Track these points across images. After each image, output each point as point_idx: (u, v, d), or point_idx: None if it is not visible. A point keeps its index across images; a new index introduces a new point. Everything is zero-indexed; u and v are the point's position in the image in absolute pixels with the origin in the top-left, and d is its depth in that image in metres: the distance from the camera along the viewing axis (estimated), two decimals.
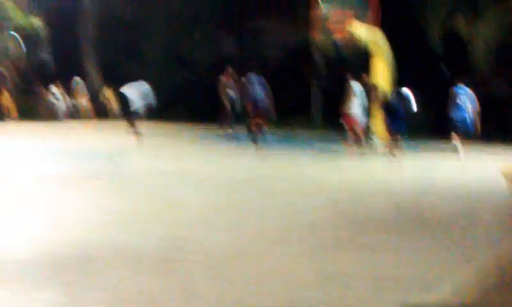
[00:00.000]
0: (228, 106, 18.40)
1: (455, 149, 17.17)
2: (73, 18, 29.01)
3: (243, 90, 17.60)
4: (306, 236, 6.41)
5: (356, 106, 17.87)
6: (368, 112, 18.22)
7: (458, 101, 17.45)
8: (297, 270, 5.10)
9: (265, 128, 17.61)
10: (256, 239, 6.19)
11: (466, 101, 17.55)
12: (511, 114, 18.75)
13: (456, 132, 17.37)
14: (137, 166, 11.85)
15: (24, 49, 26.17)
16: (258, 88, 17.15)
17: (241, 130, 18.72)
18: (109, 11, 29.33)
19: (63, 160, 12.15)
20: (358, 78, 18.69)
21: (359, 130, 17.92)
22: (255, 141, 17.10)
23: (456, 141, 17.28)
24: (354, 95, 17.86)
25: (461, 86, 17.63)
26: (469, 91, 17.63)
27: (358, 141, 18.12)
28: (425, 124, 22.30)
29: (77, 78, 26.13)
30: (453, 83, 17.87)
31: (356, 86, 18.11)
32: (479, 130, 17.47)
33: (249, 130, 17.48)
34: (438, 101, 20.61)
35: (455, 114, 17.41)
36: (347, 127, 18.17)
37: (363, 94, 18.16)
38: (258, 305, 4.27)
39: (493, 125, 21.33)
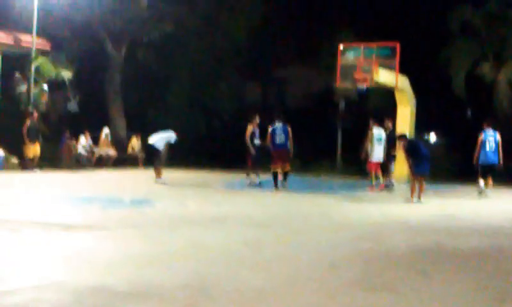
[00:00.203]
0: (254, 153, 18.61)
1: (481, 192, 17.25)
2: (100, 68, 29.60)
3: (267, 137, 18.08)
4: (326, 275, 6.42)
5: (376, 152, 18.21)
6: (390, 156, 18.35)
7: (486, 145, 17.65)
8: None
9: (289, 173, 17.99)
10: (281, 277, 6.21)
11: (493, 144, 17.76)
12: None
13: (483, 176, 17.51)
14: (165, 212, 11.94)
15: (52, 100, 26.67)
16: (281, 135, 17.78)
17: (266, 177, 18.96)
18: (135, 61, 29.90)
19: (90, 208, 12.28)
20: (381, 124, 18.84)
21: (379, 174, 18.29)
22: (277, 185, 17.65)
23: (481, 183, 17.41)
24: (376, 141, 18.19)
25: (489, 129, 17.78)
26: (496, 134, 17.91)
27: (382, 185, 18.29)
28: (450, 168, 22.23)
29: (105, 128, 26.53)
30: (481, 128, 18.02)
31: (376, 132, 18.36)
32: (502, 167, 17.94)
33: (273, 175, 17.96)
34: (463, 145, 20.62)
35: (482, 158, 17.59)
36: (370, 172, 18.42)
37: (384, 138, 18.39)
38: None
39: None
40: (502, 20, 25.81)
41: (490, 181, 17.81)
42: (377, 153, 18.37)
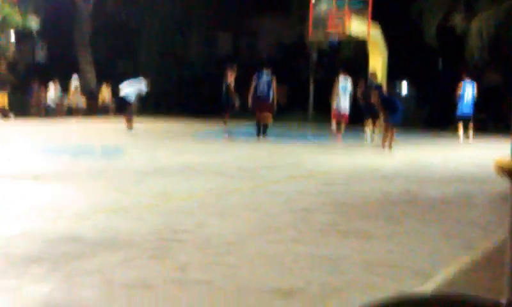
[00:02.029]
0: (231, 100, 18.46)
1: (453, 139, 18.05)
2: (69, 18, 29.06)
3: (252, 86, 18.13)
4: (297, 222, 6.45)
5: (340, 101, 18.38)
6: (368, 106, 18.42)
7: (463, 97, 18.49)
8: (287, 255, 5.13)
9: (270, 122, 18.12)
10: (250, 225, 6.22)
11: (470, 97, 18.57)
12: (505, 104, 19.07)
13: (459, 122, 18.90)
14: (133, 162, 11.88)
15: (20, 48, 26.18)
16: (265, 86, 17.95)
17: (240, 125, 19.16)
18: (105, 12, 29.39)
19: (59, 157, 12.17)
20: (355, 76, 18.89)
21: (344, 123, 18.51)
22: (258, 133, 17.89)
23: (459, 130, 18.83)
24: (341, 90, 18.37)
25: (468, 80, 18.61)
26: (474, 86, 19.10)
27: (339, 133, 18.55)
28: (420, 117, 22.44)
29: (74, 76, 26.16)
30: (460, 78, 18.77)
31: (343, 82, 18.52)
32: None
33: (256, 125, 18.17)
34: (434, 95, 20.87)
35: (461, 108, 18.36)
36: (333, 120, 18.71)
37: (350, 88, 18.52)
38: (248, 286, 4.30)
39: (488, 115, 21.81)
40: None
41: (470, 128, 18.83)
42: (341, 102, 18.55)
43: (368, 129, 18.30)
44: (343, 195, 8.39)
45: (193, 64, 30.32)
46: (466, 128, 18.98)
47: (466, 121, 19.03)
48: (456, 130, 19.18)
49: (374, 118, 17.93)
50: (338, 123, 18.88)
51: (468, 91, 18.94)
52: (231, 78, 18.37)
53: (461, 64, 24.69)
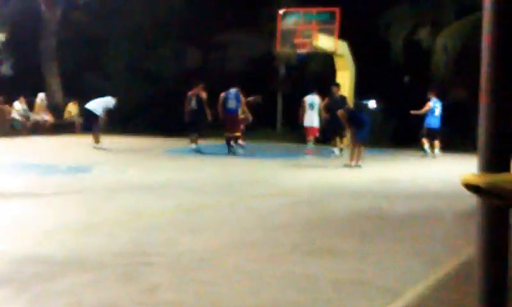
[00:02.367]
0: (190, 118, 18.65)
1: (422, 155, 18.42)
2: (35, 32, 28.75)
3: (220, 103, 18.41)
4: (267, 240, 6.46)
5: (308, 117, 18.61)
6: (332, 121, 18.46)
7: (434, 110, 19.02)
8: (257, 272, 5.13)
9: (239, 139, 18.41)
10: (221, 241, 6.21)
11: (439, 111, 19.50)
12: (470, 120, 19.39)
13: (427, 138, 19.31)
14: (102, 179, 11.77)
15: None
16: (233, 101, 18.26)
17: (207, 142, 19.27)
18: (72, 25, 29.15)
19: (26, 175, 12.01)
20: (324, 91, 19.01)
21: (313, 138, 18.75)
22: (229, 151, 18.14)
23: (426, 145, 19.26)
24: (308, 107, 18.60)
25: (434, 98, 19.19)
26: (440, 102, 19.63)
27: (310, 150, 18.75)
28: (387, 133, 22.65)
29: (41, 94, 25.85)
30: (429, 96, 19.30)
31: (309, 98, 18.73)
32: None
33: (226, 141, 18.51)
34: (401, 111, 21.09)
35: (430, 123, 19.27)
36: (307, 137, 18.87)
37: (317, 105, 18.70)
38: (220, 305, 4.29)
39: (454, 130, 22.20)
40: None
41: (437, 144, 19.30)
42: (308, 118, 18.76)
43: (336, 145, 18.47)
44: (313, 212, 8.43)
45: (162, 79, 30.21)
46: (432, 142, 19.32)
47: (433, 134, 19.40)
48: (422, 144, 19.45)
49: (340, 132, 18.17)
50: (310, 139, 19.04)
51: (436, 108, 19.42)
52: (204, 93, 18.55)
53: (427, 79, 25.02)
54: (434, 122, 19.38)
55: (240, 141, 19.16)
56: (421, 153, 19.23)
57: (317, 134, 19.13)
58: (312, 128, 18.94)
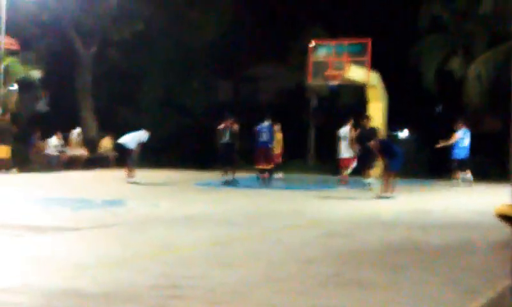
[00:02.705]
0: (223, 151, 18.90)
1: (455, 185, 18.26)
2: (70, 68, 29.29)
3: (254, 137, 18.79)
4: (298, 273, 6.41)
5: (343, 149, 18.59)
6: (363, 153, 18.37)
7: (462, 142, 18.90)
8: (288, 306, 5.10)
9: (273, 172, 18.64)
10: (251, 275, 6.18)
11: (468, 141, 19.49)
12: (504, 149, 19.12)
13: (460, 170, 19.41)
14: (135, 212, 11.85)
15: (22, 100, 26.34)
16: (266, 133, 18.58)
17: (242, 175, 19.49)
18: (106, 61, 29.64)
19: (61, 209, 12.15)
20: (357, 122, 18.96)
21: (349, 170, 18.71)
22: (262, 183, 18.40)
23: (458, 177, 19.34)
24: (342, 139, 18.58)
25: (463, 128, 19.00)
26: (468, 132, 19.63)
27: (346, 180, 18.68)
28: (420, 163, 22.47)
29: (77, 129, 26.27)
30: (457, 127, 19.20)
31: (342, 131, 18.76)
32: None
33: (258, 174, 18.86)
34: (433, 140, 20.93)
35: (458, 154, 19.36)
36: (341, 169, 18.82)
37: (346, 136, 18.70)
38: None
39: (488, 160, 21.95)
40: (470, 16, 26.08)
41: (468, 172, 19.42)
42: (341, 149, 18.77)
43: (368, 176, 18.33)
44: (345, 244, 8.36)
45: (194, 112, 30.46)
46: (463, 171, 19.38)
47: (462, 165, 19.23)
48: (453, 175, 19.36)
49: (370, 164, 18.11)
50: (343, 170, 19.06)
51: (465, 138, 19.45)
52: (236, 126, 18.74)
53: (460, 108, 24.78)
54: (462, 153, 19.34)
55: (277, 174, 19.43)
56: (454, 183, 19.12)
57: (352, 164, 19.00)
58: (343, 159, 18.90)
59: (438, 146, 19.77)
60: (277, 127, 20.47)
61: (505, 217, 1.90)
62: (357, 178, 18.92)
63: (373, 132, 17.98)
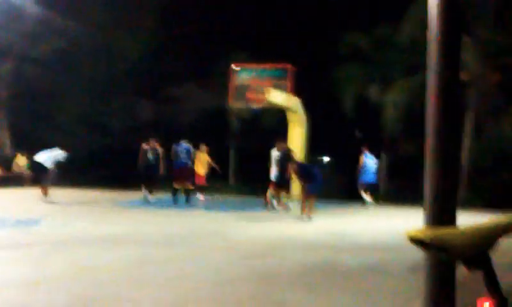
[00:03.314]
0: (147, 171, 19.30)
1: (367, 207, 19.03)
2: None
3: (172, 156, 19.13)
4: (217, 294, 6.38)
5: (274, 172, 18.74)
6: (283, 176, 18.60)
7: (366, 165, 19.96)
8: None
9: (193, 192, 18.90)
10: (169, 297, 6.10)
11: (373, 165, 20.73)
12: (416, 173, 19.92)
13: (365, 192, 20.44)
14: (50, 232, 11.53)
15: None
16: (183, 153, 18.97)
17: (164, 195, 19.48)
18: (23, 79, 28.89)
19: None
20: (275, 144, 19.16)
21: (277, 193, 18.84)
22: (175, 202, 18.57)
23: (366, 197, 20.33)
24: (274, 162, 18.74)
25: (366, 152, 20.18)
26: (373, 156, 20.99)
27: (279, 203, 18.87)
28: (339, 187, 22.94)
29: None
30: (361, 151, 20.37)
31: (274, 153, 18.92)
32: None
33: (173, 191, 19.00)
34: (353, 164, 21.48)
35: (364, 177, 20.49)
36: (272, 192, 18.97)
37: (279, 159, 18.81)
38: None
39: (404, 183, 22.79)
40: (389, 44, 26.91)
41: (369, 196, 20.59)
42: (274, 173, 18.96)
43: (273, 196, 18.59)
44: (265, 265, 8.39)
45: (113, 131, 30.04)
46: (371, 194, 20.49)
47: (372, 188, 20.55)
48: (361, 197, 20.47)
49: (285, 187, 18.55)
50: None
51: (370, 162, 20.68)
52: (159, 146, 19.29)
53: (377, 133, 25.49)
54: (368, 176, 20.54)
55: (201, 196, 19.63)
56: (369, 205, 20.04)
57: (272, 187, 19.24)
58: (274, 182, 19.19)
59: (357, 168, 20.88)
60: (204, 148, 20.66)
61: (416, 240, 2.00)
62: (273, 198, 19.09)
63: (286, 154, 18.36)
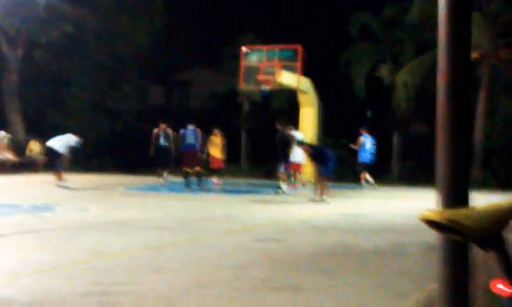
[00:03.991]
0: (161, 154, 19.61)
1: (372, 189, 19.62)
2: None
3: (179, 140, 19.23)
4: (230, 278, 6.42)
5: (296, 153, 18.92)
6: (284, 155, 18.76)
7: (364, 146, 20.75)
8: None
9: (206, 176, 18.96)
10: (184, 280, 6.15)
11: (371, 146, 20.99)
12: (430, 153, 19.82)
13: (365, 171, 20.72)
14: (64, 218, 11.62)
15: None
16: (190, 136, 18.97)
17: (176, 179, 19.71)
18: (34, 63, 28.95)
19: None
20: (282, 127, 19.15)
21: (298, 174, 19.31)
22: (187, 184, 18.59)
23: (364, 179, 20.54)
24: (295, 143, 18.75)
25: (365, 133, 20.62)
26: (370, 138, 21.21)
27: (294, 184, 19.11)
28: (352, 168, 22.87)
29: (1, 132, 25.52)
30: (359, 132, 20.46)
31: (296, 134, 19.14)
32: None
33: (184, 175, 18.97)
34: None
35: (363, 157, 20.79)
36: (291, 172, 19.23)
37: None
38: None
39: (416, 164, 22.73)
40: (399, 24, 26.74)
41: (365, 176, 20.85)
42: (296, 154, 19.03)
43: (282, 180, 18.54)
44: (277, 248, 8.41)
45: (124, 116, 30.09)
46: (371, 174, 20.70)
47: (370, 167, 20.85)
48: (360, 179, 20.70)
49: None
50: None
51: (368, 143, 20.95)
52: (170, 130, 19.53)
53: (389, 113, 25.38)
54: (366, 156, 20.75)
55: (215, 180, 19.80)
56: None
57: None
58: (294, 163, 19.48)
59: (351, 146, 21.40)
60: (217, 133, 20.89)
61: (430, 221, 1.99)
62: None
63: (290, 136, 18.43)
